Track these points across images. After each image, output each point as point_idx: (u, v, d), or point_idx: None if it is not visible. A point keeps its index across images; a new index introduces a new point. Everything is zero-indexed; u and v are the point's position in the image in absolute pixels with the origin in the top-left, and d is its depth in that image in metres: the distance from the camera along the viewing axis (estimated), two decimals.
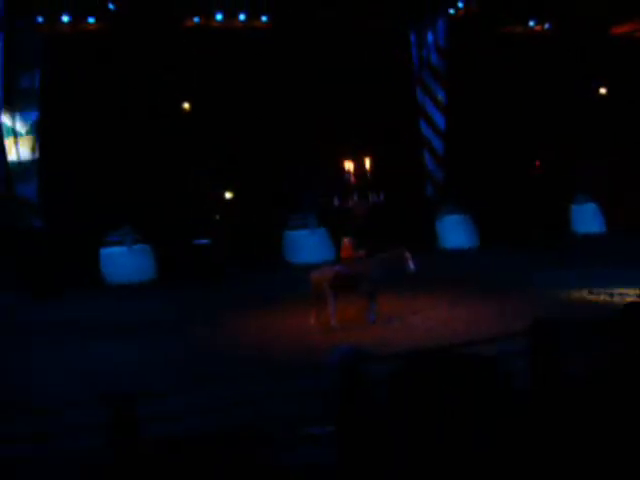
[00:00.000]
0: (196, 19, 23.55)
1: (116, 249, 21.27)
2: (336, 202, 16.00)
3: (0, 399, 9.96)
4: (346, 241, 14.89)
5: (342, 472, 4.73)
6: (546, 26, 26.91)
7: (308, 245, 22.80)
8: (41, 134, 21.62)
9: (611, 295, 15.56)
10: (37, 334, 14.77)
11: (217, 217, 23.89)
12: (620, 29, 27.19)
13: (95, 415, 6.44)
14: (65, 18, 22.21)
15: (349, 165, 15.69)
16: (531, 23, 26.81)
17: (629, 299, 13.35)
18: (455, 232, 24.68)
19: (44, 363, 12.53)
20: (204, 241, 22.78)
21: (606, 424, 3.02)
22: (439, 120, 25.38)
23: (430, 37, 24.98)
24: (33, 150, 21.62)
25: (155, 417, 6.29)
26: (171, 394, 7.48)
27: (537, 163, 25.56)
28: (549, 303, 14.12)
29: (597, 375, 4.12)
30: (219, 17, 23.68)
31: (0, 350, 13.59)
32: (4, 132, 21.25)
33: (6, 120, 21.36)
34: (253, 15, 23.97)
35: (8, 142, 21.41)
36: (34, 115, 21.56)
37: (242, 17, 23.96)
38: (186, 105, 24.48)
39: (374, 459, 4.09)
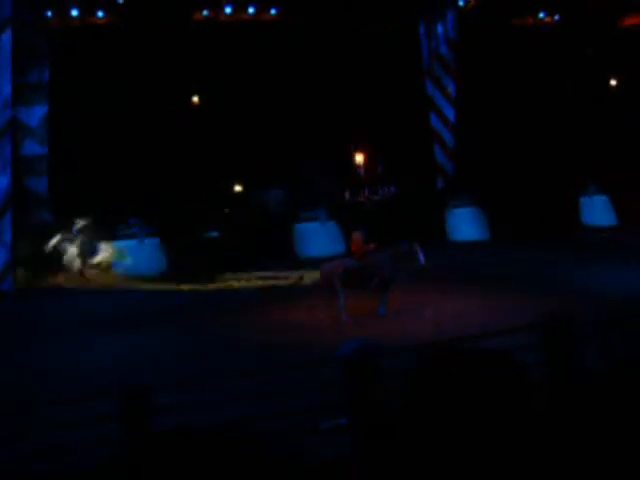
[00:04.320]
0: (205, 12, 23.57)
1: (127, 243, 21.24)
2: (347, 196, 15.95)
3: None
4: (356, 235, 14.81)
5: (356, 465, 4.70)
6: (556, 17, 26.84)
7: (318, 238, 22.70)
8: (51, 128, 21.65)
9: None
10: (52, 324, 14.83)
11: (226, 210, 23.87)
12: (630, 21, 27.10)
13: (107, 406, 6.44)
14: (74, 12, 22.27)
15: (360, 159, 15.64)
16: (541, 15, 26.74)
17: None
18: (465, 225, 24.58)
19: (60, 352, 12.57)
20: (213, 234, 22.73)
21: (622, 421, 2.98)
22: (449, 112, 25.36)
23: (440, 29, 24.92)
24: (43, 144, 21.64)
25: (165, 409, 6.28)
26: (180, 388, 7.46)
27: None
28: (563, 296, 14.00)
29: (615, 371, 4.09)
30: (228, 10, 23.68)
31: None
32: (14, 127, 21.27)
33: (16, 114, 21.38)
34: (262, 8, 23.95)
35: (18, 137, 21.44)
36: (44, 109, 21.59)
37: (251, 10, 23.94)
38: (195, 98, 24.51)
39: (388, 452, 4.06)
